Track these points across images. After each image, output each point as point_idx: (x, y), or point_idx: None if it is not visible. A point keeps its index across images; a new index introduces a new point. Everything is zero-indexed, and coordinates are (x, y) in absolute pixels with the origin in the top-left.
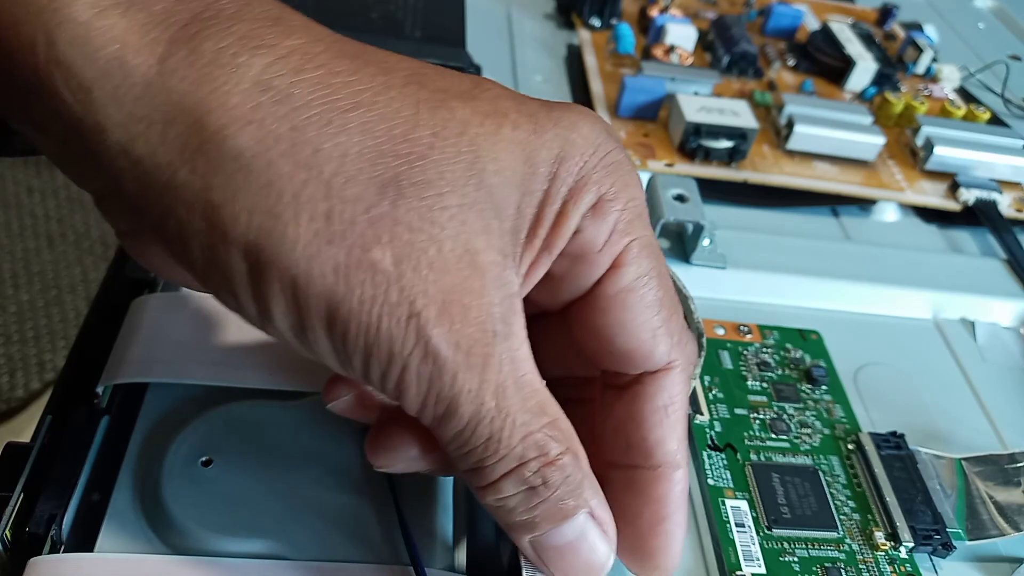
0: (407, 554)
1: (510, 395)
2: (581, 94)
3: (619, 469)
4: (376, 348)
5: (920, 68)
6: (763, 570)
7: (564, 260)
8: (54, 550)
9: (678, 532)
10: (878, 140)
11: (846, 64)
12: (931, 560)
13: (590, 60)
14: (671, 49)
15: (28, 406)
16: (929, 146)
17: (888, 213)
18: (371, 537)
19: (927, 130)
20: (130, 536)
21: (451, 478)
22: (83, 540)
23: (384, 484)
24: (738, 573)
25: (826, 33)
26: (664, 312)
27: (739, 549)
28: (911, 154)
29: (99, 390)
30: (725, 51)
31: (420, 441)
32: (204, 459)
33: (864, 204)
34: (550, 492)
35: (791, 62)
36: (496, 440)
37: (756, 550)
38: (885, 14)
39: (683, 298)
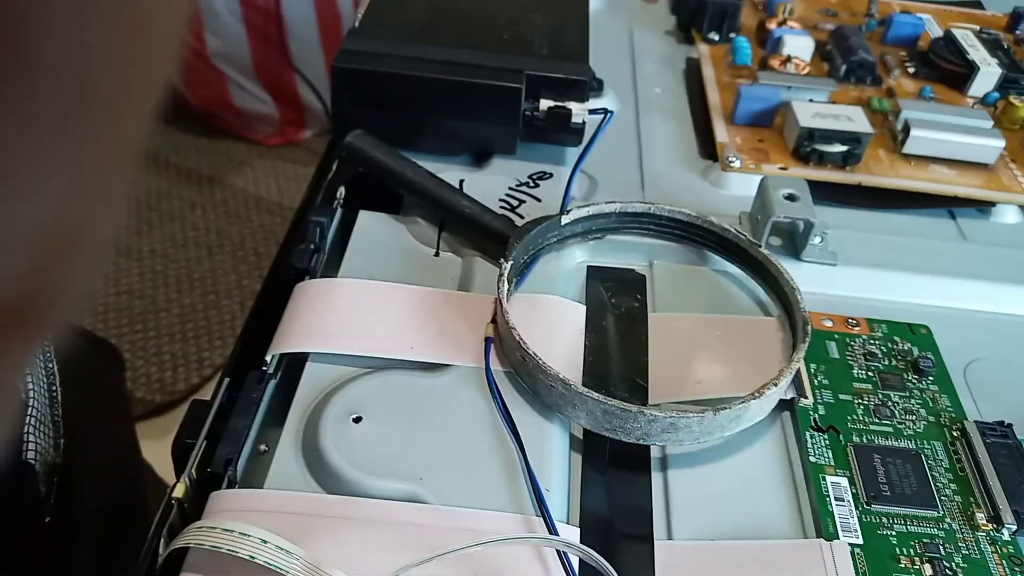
0: (533, 506)
1: None
2: (699, 103)
3: None
4: None
5: None
6: (860, 540)
7: None
8: (230, 487)
9: None
10: (998, 143)
11: (968, 70)
12: None
13: (708, 72)
14: (788, 59)
15: (188, 399)
16: None
17: (1008, 215)
18: (499, 488)
19: None
20: (291, 477)
21: (566, 441)
22: (254, 480)
23: (512, 444)
24: (835, 542)
25: (949, 40)
26: None
27: (837, 521)
28: None
29: (268, 358)
30: (842, 60)
31: None
32: (355, 416)
33: (983, 207)
34: None
35: (911, 69)
36: None
37: (854, 523)
38: (1016, 19)
39: (790, 290)
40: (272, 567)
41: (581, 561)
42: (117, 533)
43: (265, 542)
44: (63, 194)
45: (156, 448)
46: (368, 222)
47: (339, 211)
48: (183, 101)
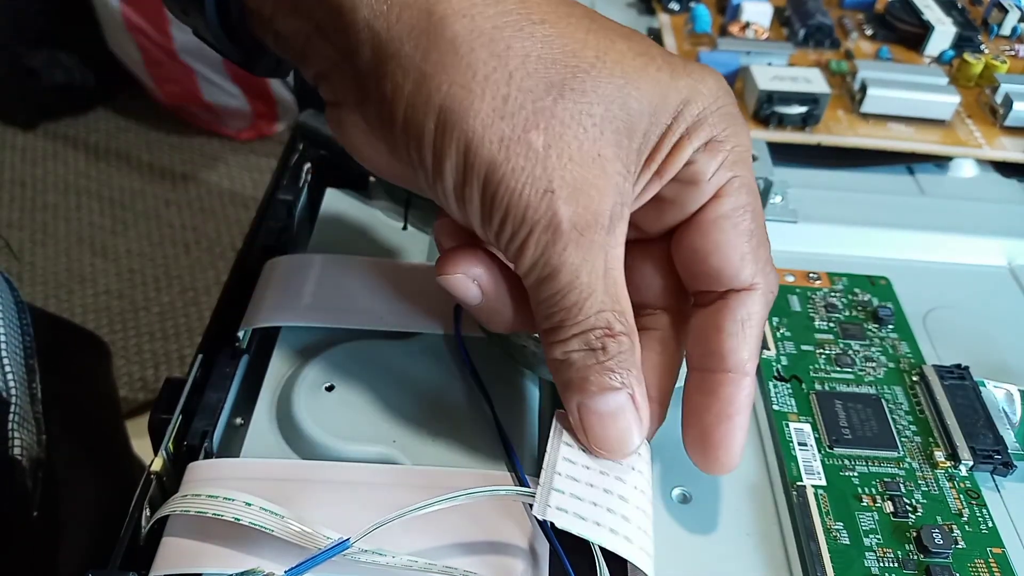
0: (504, 460)
1: (598, 278)
2: None
3: (696, 372)
4: (515, 210)
5: (1005, 29)
6: (823, 482)
7: (675, 185)
8: (207, 459)
9: (739, 433)
10: (953, 99)
11: (924, 29)
12: (993, 479)
13: (669, 41)
14: (746, 26)
15: None
16: (1008, 102)
17: (965, 169)
18: (470, 447)
19: (1006, 87)
20: (267, 447)
21: (536, 399)
22: (230, 452)
23: (483, 403)
24: (799, 484)
25: (904, 1)
26: (754, 241)
27: (801, 464)
28: (991, 112)
29: (240, 334)
30: (801, 24)
31: (485, 265)
32: (327, 385)
33: (940, 162)
34: (605, 358)
35: (869, 31)
36: (578, 308)
37: (817, 465)
38: None
39: None
40: (258, 527)
41: None
42: (109, 524)
43: (250, 504)
44: None
45: (143, 445)
46: (335, 199)
47: (306, 190)
48: (153, 98)
